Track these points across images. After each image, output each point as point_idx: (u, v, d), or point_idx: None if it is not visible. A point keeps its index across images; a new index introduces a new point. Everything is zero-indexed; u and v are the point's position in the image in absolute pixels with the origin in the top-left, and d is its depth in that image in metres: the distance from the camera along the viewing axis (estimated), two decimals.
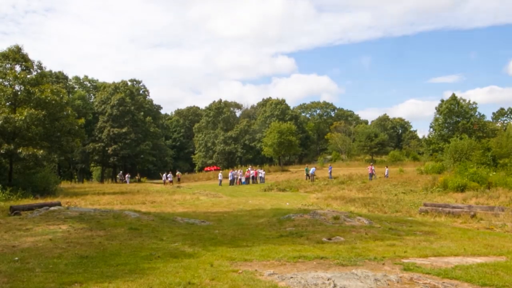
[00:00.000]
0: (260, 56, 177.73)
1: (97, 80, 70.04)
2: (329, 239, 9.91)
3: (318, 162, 57.90)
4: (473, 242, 9.96)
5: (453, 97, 49.89)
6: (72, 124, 26.72)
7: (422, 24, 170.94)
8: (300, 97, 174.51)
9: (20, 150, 22.24)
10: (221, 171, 46.88)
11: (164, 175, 44.22)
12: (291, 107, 77.12)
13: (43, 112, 23.13)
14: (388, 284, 6.01)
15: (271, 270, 6.85)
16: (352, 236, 10.25)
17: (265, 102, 78.58)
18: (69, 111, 26.33)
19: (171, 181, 42.26)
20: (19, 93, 24.26)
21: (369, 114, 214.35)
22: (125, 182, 46.95)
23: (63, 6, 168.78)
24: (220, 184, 39.43)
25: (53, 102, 24.06)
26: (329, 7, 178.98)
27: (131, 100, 57.68)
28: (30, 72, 25.80)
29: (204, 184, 42.94)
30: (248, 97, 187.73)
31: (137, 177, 54.09)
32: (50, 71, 48.63)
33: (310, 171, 36.62)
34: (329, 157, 68.15)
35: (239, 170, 43.15)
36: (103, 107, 56.80)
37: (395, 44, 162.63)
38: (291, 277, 6.28)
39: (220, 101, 76.00)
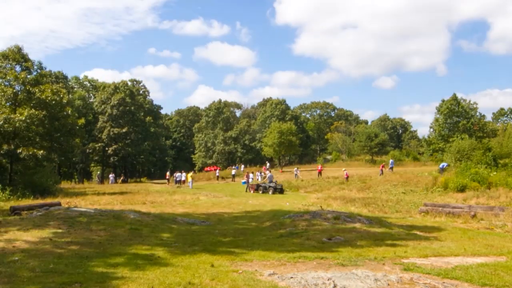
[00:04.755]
0: None
1: (97, 80, 70.13)
2: (329, 239, 9.91)
3: (318, 162, 57.84)
4: (473, 242, 9.95)
5: (454, 97, 49.78)
6: (72, 124, 26.70)
7: None
8: None
9: (20, 150, 22.20)
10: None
11: (168, 173, 43.65)
12: (291, 107, 77.23)
13: (43, 112, 23.10)
14: (388, 284, 6.00)
15: (271, 270, 6.85)
16: (352, 236, 10.24)
17: (265, 102, 78.54)
18: (69, 111, 26.30)
19: (183, 181, 39.82)
20: (19, 93, 24.24)
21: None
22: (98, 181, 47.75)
23: None
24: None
25: (53, 102, 24.02)
26: None
27: (131, 100, 57.66)
28: (30, 72, 25.81)
29: (205, 184, 42.88)
30: None
31: (121, 177, 53.43)
32: (50, 71, 48.55)
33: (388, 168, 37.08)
34: (329, 157, 68.02)
35: (250, 173, 39.55)
36: (103, 107, 56.75)
37: None
38: (291, 277, 6.28)
39: (220, 101, 76.05)
